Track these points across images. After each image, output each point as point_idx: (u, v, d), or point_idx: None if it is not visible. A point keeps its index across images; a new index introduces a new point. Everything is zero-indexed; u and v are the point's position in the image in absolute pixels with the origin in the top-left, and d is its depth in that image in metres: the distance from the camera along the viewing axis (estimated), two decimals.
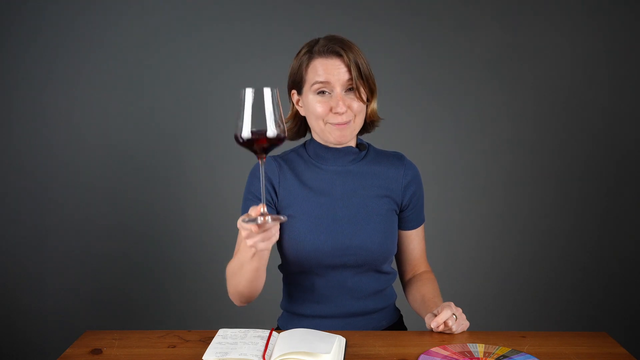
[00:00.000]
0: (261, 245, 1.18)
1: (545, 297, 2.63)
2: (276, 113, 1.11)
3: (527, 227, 2.61)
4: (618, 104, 2.56)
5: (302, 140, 1.57)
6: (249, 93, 1.10)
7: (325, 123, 1.43)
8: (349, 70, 1.40)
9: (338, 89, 1.40)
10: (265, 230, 1.16)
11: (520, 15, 2.52)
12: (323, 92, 1.42)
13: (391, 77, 2.48)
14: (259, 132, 1.10)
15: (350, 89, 1.41)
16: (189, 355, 1.24)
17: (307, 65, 1.43)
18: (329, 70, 1.40)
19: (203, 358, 1.19)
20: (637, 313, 2.62)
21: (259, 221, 1.12)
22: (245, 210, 1.48)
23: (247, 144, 1.11)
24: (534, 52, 2.53)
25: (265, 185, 1.47)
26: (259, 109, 1.10)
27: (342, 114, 1.41)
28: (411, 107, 2.55)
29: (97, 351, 1.26)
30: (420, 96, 2.56)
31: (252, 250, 1.26)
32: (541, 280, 2.63)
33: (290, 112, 1.53)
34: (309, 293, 1.49)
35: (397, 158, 1.54)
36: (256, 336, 1.26)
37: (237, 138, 1.11)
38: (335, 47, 1.41)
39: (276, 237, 1.19)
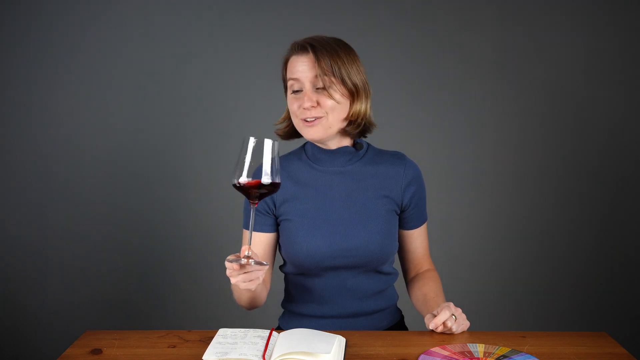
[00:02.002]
0: (243, 285, 1.23)
1: (545, 297, 2.63)
2: (274, 163, 1.18)
3: (528, 228, 2.61)
4: (622, 105, 2.55)
5: (302, 142, 1.57)
6: (250, 143, 1.17)
7: (299, 120, 1.43)
8: (315, 67, 1.39)
9: (307, 85, 1.40)
10: (247, 272, 1.20)
11: (523, 15, 2.52)
12: (298, 90, 1.42)
13: (392, 76, 2.48)
14: (256, 182, 1.17)
15: (322, 86, 1.40)
16: (189, 355, 1.24)
17: (285, 64, 1.46)
18: (297, 67, 1.41)
19: (203, 358, 1.19)
20: (637, 313, 2.62)
21: (242, 262, 1.19)
22: (246, 221, 1.51)
23: (243, 189, 1.18)
24: (537, 52, 2.53)
25: None
26: (258, 159, 1.17)
27: (308, 109, 1.40)
28: (412, 106, 2.55)
29: (97, 351, 1.26)
30: (422, 95, 2.56)
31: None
32: (541, 280, 2.63)
33: (284, 113, 1.53)
34: (309, 293, 1.50)
35: (397, 157, 1.53)
36: (256, 336, 1.26)
37: (235, 183, 1.18)
38: (305, 43, 1.41)
39: (259, 280, 1.23)
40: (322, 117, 1.41)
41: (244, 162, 1.17)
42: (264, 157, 1.17)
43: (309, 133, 1.42)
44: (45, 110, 2.50)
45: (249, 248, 1.20)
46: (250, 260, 1.19)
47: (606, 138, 2.57)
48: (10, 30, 2.46)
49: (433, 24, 2.54)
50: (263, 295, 1.47)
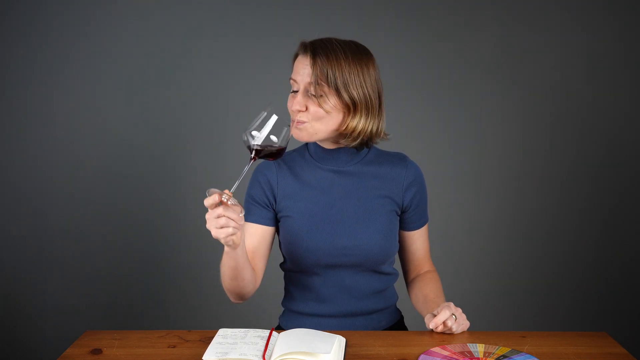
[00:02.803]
0: (215, 232, 1.20)
1: (545, 297, 2.63)
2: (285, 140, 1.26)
3: (528, 228, 2.61)
4: (626, 105, 2.55)
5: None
6: (273, 118, 1.24)
7: (291, 119, 1.44)
8: (311, 74, 1.38)
9: (301, 88, 1.40)
10: (221, 217, 1.19)
11: (527, 15, 2.52)
12: (295, 91, 1.42)
13: (393, 75, 2.48)
14: (268, 144, 1.24)
15: (314, 93, 1.39)
16: (189, 355, 1.24)
17: (293, 61, 1.45)
18: (297, 69, 1.42)
19: (203, 358, 1.19)
20: (637, 313, 2.62)
21: (224, 198, 1.19)
22: (245, 211, 1.49)
23: (256, 151, 1.24)
24: (541, 52, 2.53)
25: (263, 188, 1.49)
26: (275, 130, 1.24)
27: (295, 112, 1.40)
28: (414, 106, 2.55)
29: (97, 351, 1.26)
30: (424, 95, 2.56)
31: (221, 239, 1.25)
32: (541, 281, 2.63)
33: None
34: (308, 292, 1.50)
35: (399, 159, 1.53)
36: (256, 336, 1.26)
37: (249, 143, 1.23)
38: (308, 45, 1.41)
39: (230, 230, 1.20)
40: (307, 122, 1.40)
41: (264, 124, 1.23)
42: (284, 131, 1.24)
43: (295, 133, 1.42)
44: (42, 111, 2.50)
45: (230, 193, 1.20)
46: (229, 201, 1.19)
47: (610, 139, 2.57)
48: (6, 31, 2.45)
49: (436, 24, 2.53)
50: (247, 274, 1.39)
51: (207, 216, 1.21)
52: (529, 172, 2.59)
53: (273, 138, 1.23)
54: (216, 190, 1.21)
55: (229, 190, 1.21)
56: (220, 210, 1.19)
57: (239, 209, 1.21)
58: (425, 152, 2.30)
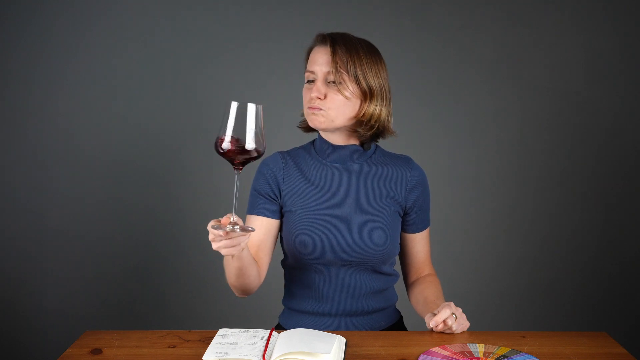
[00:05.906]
0: (224, 251, 1.21)
1: (545, 297, 2.63)
2: (257, 128, 1.15)
3: (528, 228, 2.61)
4: (624, 104, 2.55)
5: (315, 136, 1.57)
6: (233, 106, 1.13)
7: (307, 108, 1.44)
8: (330, 61, 1.40)
9: (319, 76, 1.42)
10: (230, 238, 1.19)
11: (524, 15, 2.52)
12: (311, 81, 1.44)
13: (392, 76, 2.48)
14: (238, 145, 1.14)
15: (334, 81, 1.41)
16: (189, 355, 1.24)
17: (307, 55, 1.47)
18: (314, 59, 1.44)
19: (203, 358, 1.19)
20: (637, 313, 2.62)
21: (228, 229, 1.17)
22: (251, 205, 1.50)
23: (226, 154, 1.15)
24: (539, 52, 2.53)
25: (269, 181, 1.49)
26: (241, 123, 1.13)
27: (314, 99, 1.41)
28: (413, 106, 2.55)
29: (97, 351, 1.26)
30: (422, 95, 2.56)
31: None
32: (541, 281, 2.63)
33: None
34: (308, 290, 1.50)
35: (404, 161, 1.54)
36: (256, 336, 1.26)
37: (217, 147, 1.15)
38: (326, 35, 1.44)
39: (242, 246, 1.22)
40: (323, 109, 1.42)
41: (226, 127, 1.13)
42: (248, 121, 1.13)
43: (312, 120, 1.44)
44: (44, 111, 2.50)
45: (234, 215, 1.18)
46: (235, 227, 1.17)
47: (607, 139, 2.57)
48: (8, 29, 2.45)
49: (434, 24, 2.54)
50: (252, 272, 1.41)
51: (213, 239, 1.20)
52: (528, 172, 2.59)
53: (250, 125, 1.13)
54: (217, 225, 1.17)
55: (231, 213, 1.18)
56: (225, 241, 1.20)
57: (246, 230, 1.19)
58: (423, 152, 2.30)
